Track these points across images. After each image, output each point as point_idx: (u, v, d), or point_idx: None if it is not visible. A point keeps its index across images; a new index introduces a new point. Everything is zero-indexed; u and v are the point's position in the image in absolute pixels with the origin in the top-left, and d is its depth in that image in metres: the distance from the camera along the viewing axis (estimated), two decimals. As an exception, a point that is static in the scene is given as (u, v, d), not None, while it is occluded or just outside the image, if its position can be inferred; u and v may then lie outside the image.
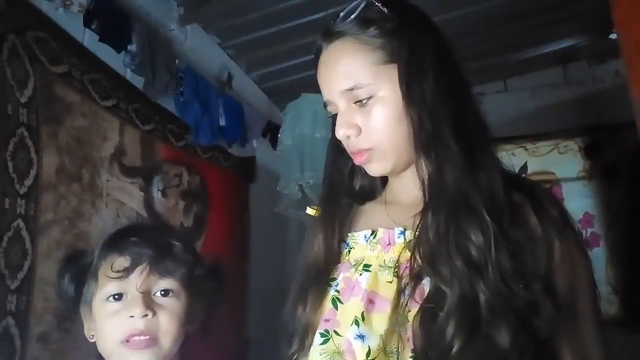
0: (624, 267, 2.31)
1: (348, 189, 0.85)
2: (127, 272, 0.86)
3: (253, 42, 2.29)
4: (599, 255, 2.36)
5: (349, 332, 0.69)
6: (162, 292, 0.88)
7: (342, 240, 0.81)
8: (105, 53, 1.59)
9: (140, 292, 0.85)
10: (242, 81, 2.46)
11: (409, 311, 0.66)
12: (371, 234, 0.78)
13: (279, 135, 2.49)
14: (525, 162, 2.50)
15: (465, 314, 0.62)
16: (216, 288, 0.99)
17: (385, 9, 0.75)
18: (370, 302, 0.70)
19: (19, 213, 1.26)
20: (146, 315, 0.84)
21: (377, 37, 0.74)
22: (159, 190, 1.83)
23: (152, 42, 1.78)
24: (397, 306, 0.67)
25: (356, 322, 0.69)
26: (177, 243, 0.93)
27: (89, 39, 1.54)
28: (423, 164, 0.74)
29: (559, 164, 2.46)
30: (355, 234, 0.80)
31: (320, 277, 0.78)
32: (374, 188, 0.87)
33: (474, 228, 0.66)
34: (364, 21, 0.75)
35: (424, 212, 0.71)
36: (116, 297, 0.86)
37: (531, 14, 2.14)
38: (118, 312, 0.86)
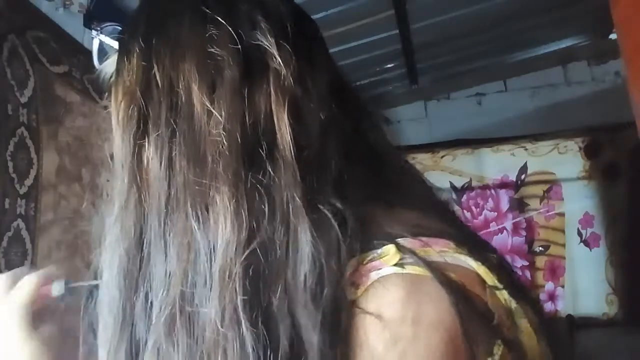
0: (624, 267, 2.31)
1: None
2: None
3: (253, 42, 2.28)
4: (599, 255, 2.36)
5: None
6: None
7: None
8: (105, 53, 1.59)
9: None
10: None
11: None
12: None
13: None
14: (525, 162, 2.50)
15: None
16: None
17: None
18: None
19: (19, 213, 1.26)
20: None
21: None
22: (159, 190, 1.83)
23: (152, 42, 1.78)
24: None
25: None
26: None
27: (89, 39, 1.54)
28: None
29: (559, 164, 2.46)
30: None
31: None
32: None
33: None
34: None
35: None
36: None
37: (531, 14, 2.13)
38: None
